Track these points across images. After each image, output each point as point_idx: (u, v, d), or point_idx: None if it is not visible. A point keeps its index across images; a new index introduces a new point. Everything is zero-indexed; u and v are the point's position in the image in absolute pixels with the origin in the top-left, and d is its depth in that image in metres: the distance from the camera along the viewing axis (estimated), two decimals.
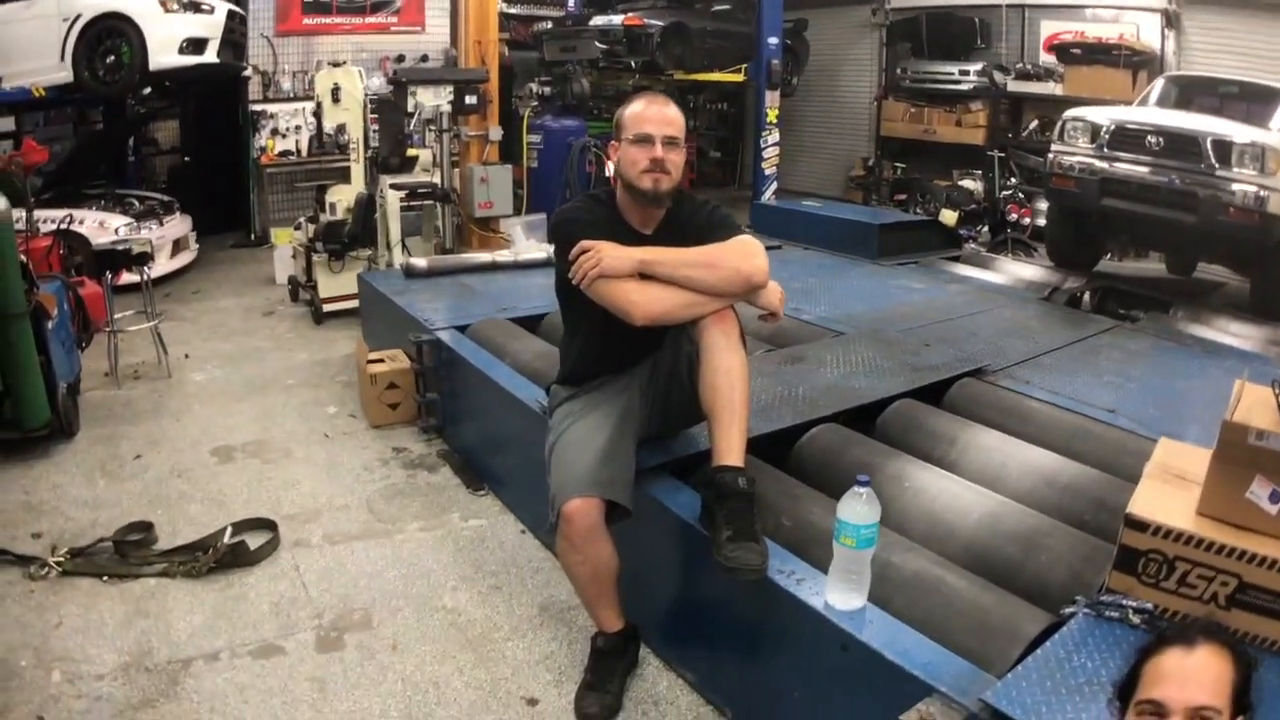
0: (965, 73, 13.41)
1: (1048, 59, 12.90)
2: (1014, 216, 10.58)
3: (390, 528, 4.31)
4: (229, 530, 3.98)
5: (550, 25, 12.72)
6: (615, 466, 2.94)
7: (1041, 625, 2.50)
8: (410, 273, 6.48)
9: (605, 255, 2.87)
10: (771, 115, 11.81)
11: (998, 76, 13.17)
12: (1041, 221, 9.97)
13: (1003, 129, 13.46)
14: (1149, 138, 6.93)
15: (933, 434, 3.88)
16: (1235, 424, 2.37)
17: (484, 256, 7.05)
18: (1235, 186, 6.51)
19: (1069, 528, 3.07)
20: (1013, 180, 12.02)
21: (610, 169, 3.46)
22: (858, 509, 2.46)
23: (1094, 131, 7.23)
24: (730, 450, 2.82)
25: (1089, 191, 7.22)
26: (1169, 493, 2.53)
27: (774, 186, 12.07)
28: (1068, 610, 2.49)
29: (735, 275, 2.93)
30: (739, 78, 12.79)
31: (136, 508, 4.39)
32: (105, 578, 3.76)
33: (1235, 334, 6.32)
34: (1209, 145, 6.64)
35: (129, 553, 3.90)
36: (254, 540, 4.01)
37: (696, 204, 3.17)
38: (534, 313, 5.54)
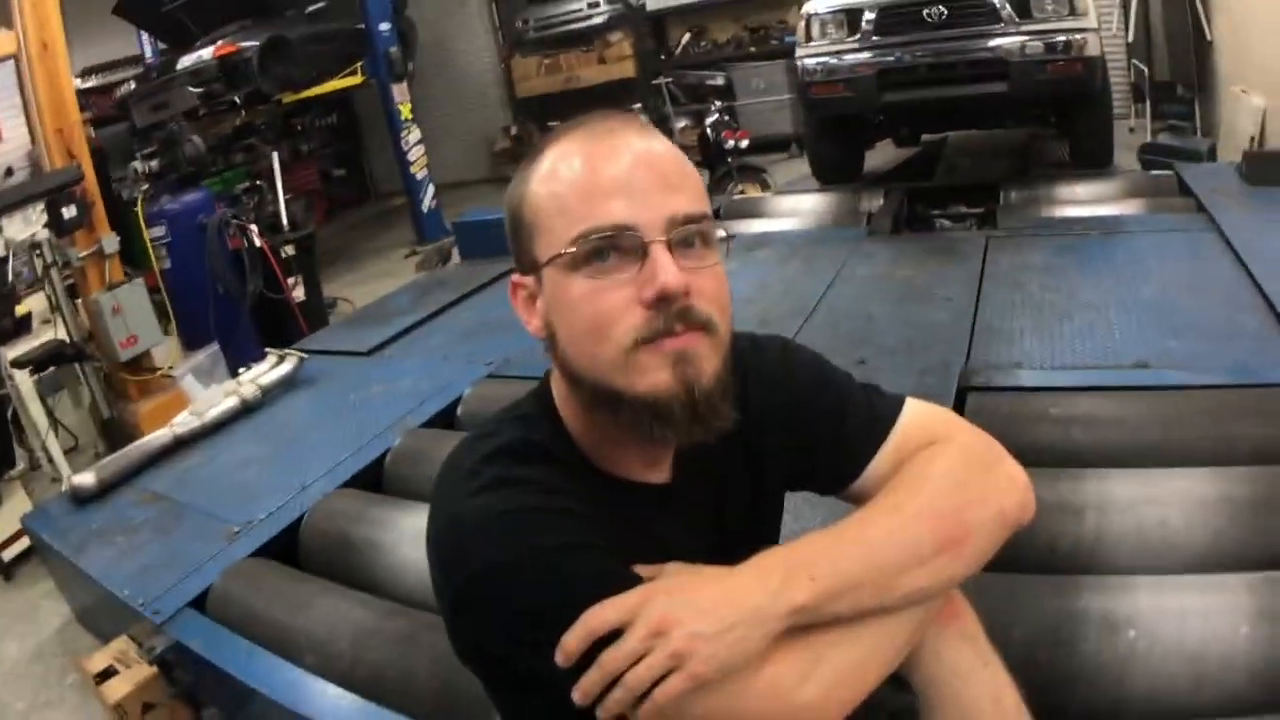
0: (595, 4, 12.50)
1: None
2: (732, 143, 9.47)
3: None
4: None
5: (133, 85, 10.57)
6: None
7: None
8: (80, 497, 4.26)
9: (687, 639, 1.09)
10: (405, 110, 10.63)
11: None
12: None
13: (654, 53, 12.79)
14: (925, 11, 6.05)
15: None
16: None
17: (161, 436, 4.72)
18: (1048, 39, 5.85)
19: None
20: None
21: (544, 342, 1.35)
22: None
23: (853, 21, 6.32)
24: None
25: (865, 91, 6.34)
26: None
27: (431, 190, 10.85)
28: None
29: (994, 530, 1.29)
30: (356, 80, 11.32)
31: None
32: None
33: (1093, 197, 6.08)
34: (1007, 2, 5.87)
35: None
36: None
37: (766, 364, 1.49)
38: (281, 519, 3.58)
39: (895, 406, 1.45)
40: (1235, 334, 3.62)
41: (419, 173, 10.69)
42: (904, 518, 1.24)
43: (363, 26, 10.57)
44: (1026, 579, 2.40)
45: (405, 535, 3.14)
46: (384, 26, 10.35)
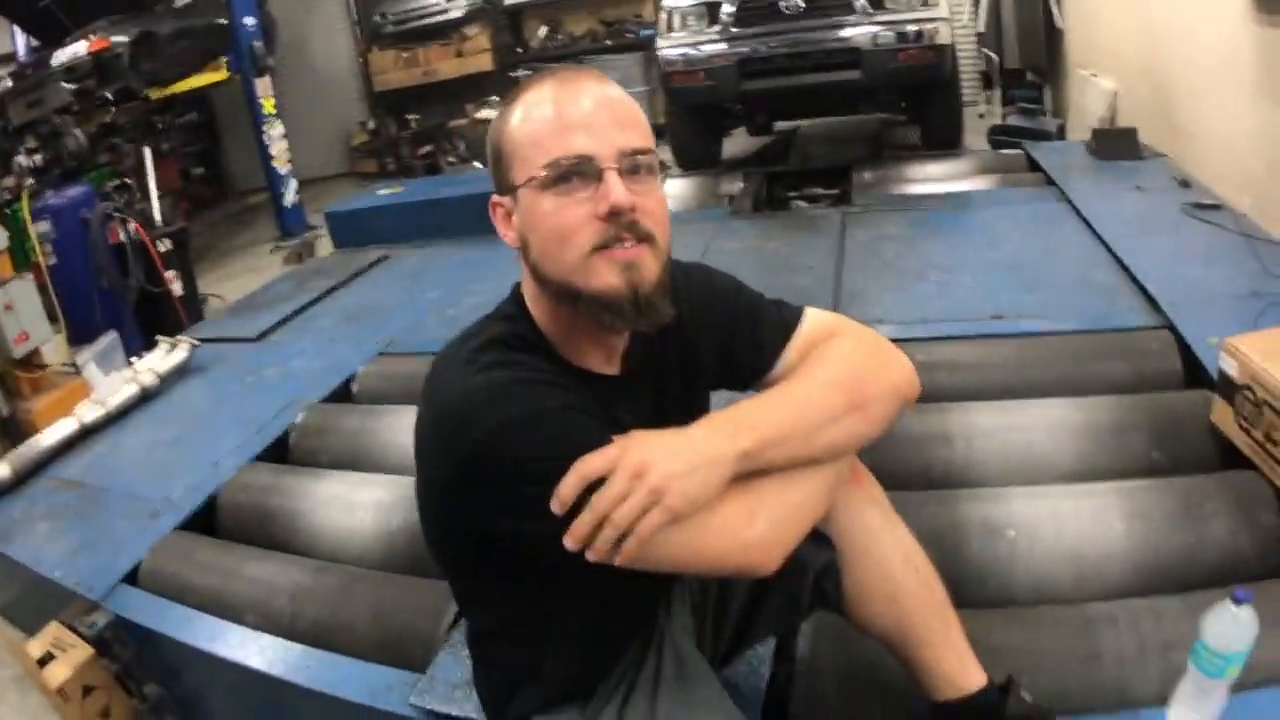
0: None
1: None
2: None
3: None
4: None
5: (10, 82, 10.21)
6: None
7: None
8: None
9: (662, 478, 1.33)
10: (268, 105, 10.31)
11: None
12: None
13: (510, 46, 12.66)
14: (783, 3, 6.18)
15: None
16: None
17: (67, 425, 4.59)
18: (900, 29, 6.02)
19: None
20: None
21: (518, 250, 1.59)
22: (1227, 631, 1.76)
23: (712, 13, 6.42)
24: (971, 660, 1.78)
25: (725, 80, 6.44)
26: None
27: (294, 185, 10.55)
28: None
29: (891, 398, 1.60)
30: (221, 75, 10.95)
31: None
32: None
33: (944, 175, 6.31)
34: None
35: None
36: None
37: (693, 283, 1.76)
38: (198, 495, 3.54)
39: (798, 311, 1.75)
40: (1087, 288, 3.84)
41: (282, 168, 10.38)
42: (819, 385, 1.54)
43: (226, 21, 10.29)
44: (909, 494, 2.56)
45: (319, 501, 3.23)
46: (248, 20, 10.06)
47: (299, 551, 3.12)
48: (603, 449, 1.36)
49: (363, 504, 3.13)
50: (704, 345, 1.71)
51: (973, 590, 2.38)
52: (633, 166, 1.46)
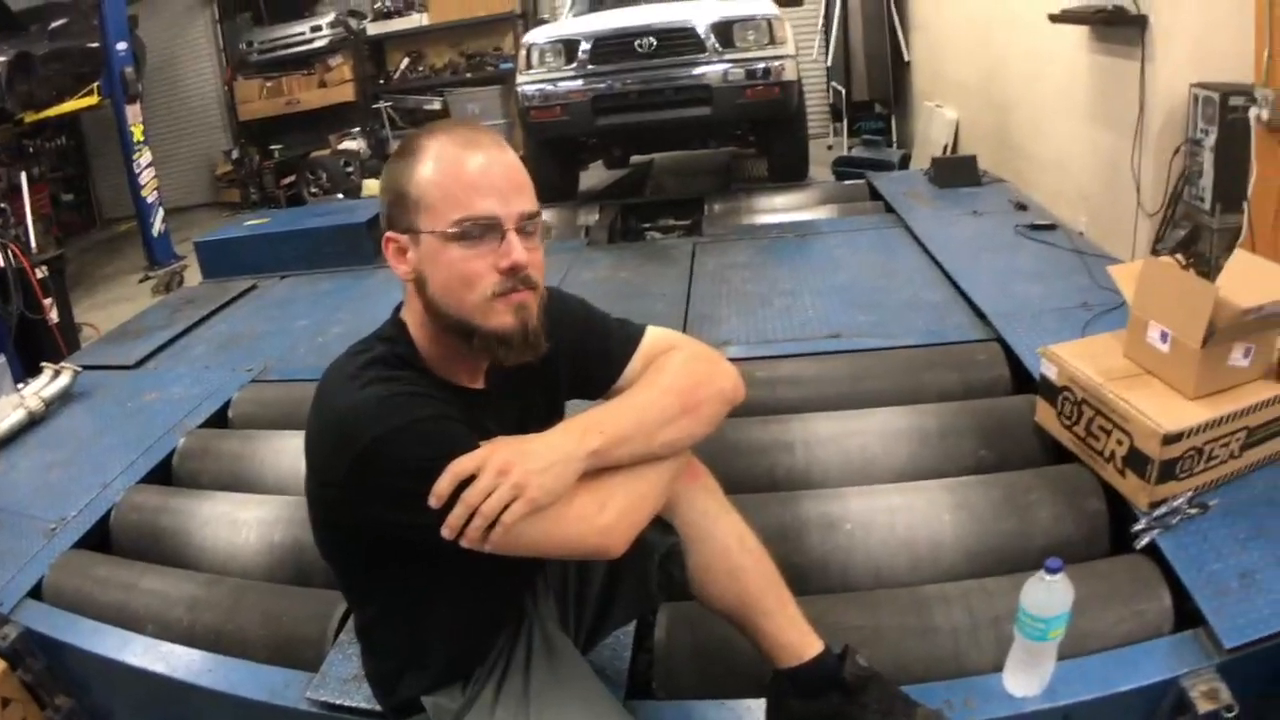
0: (317, 28, 12.36)
1: None
2: None
3: None
4: None
5: None
6: None
7: None
8: None
9: (523, 474, 1.56)
10: (138, 132, 10.02)
11: (354, 23, 12.29)
12: None
13: (373, 77, 12.66)
14: (636, 41, 6.36)
15: None
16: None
17: None
18: (748, 66, 6.23)
19: None
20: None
21: (408, 282, 1.77)
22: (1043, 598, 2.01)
23: (570, 51, 6.55)
24: (808, 631, 2.01)
25: (580, 115, 6.56)
26: (1110, 347, 2.83)
27: (161, 214, 10.27)
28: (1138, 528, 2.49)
29: (719, 402, 1.87)
30: (93, 100, 10.58)
31: None
32: None
33: (790, 206, 6.60)
34: (708, 30, 6.25)
35: None
36: None
37: (549, 306, 1.88)
38: (92, 515, 3.62)
39: (641, 328, 2.01)
40: (921, 306, 4.10)
41: (149, 196, 10.10)
42: (658, 392, 1.79)
43: (98, 45, 10.03)
44: (754, 496, 2.81)
45: (206, 520, 3.32)
46: (121, 46, 9.74)
47: (190, 566, 3.22)
48: (472, 451, 1.57)
49: (247, 521, 3.23)
50: (559, 360, 1.90)
51: (816, 579, 2.60)
52: (527, 228, 1.69)
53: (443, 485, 1.54)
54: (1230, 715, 2.00)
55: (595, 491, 1.66)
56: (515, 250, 1.65)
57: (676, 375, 1.83)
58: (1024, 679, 2.10)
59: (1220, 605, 2.18)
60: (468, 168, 1.66)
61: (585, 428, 1.66)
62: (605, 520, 1.65)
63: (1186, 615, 2.24)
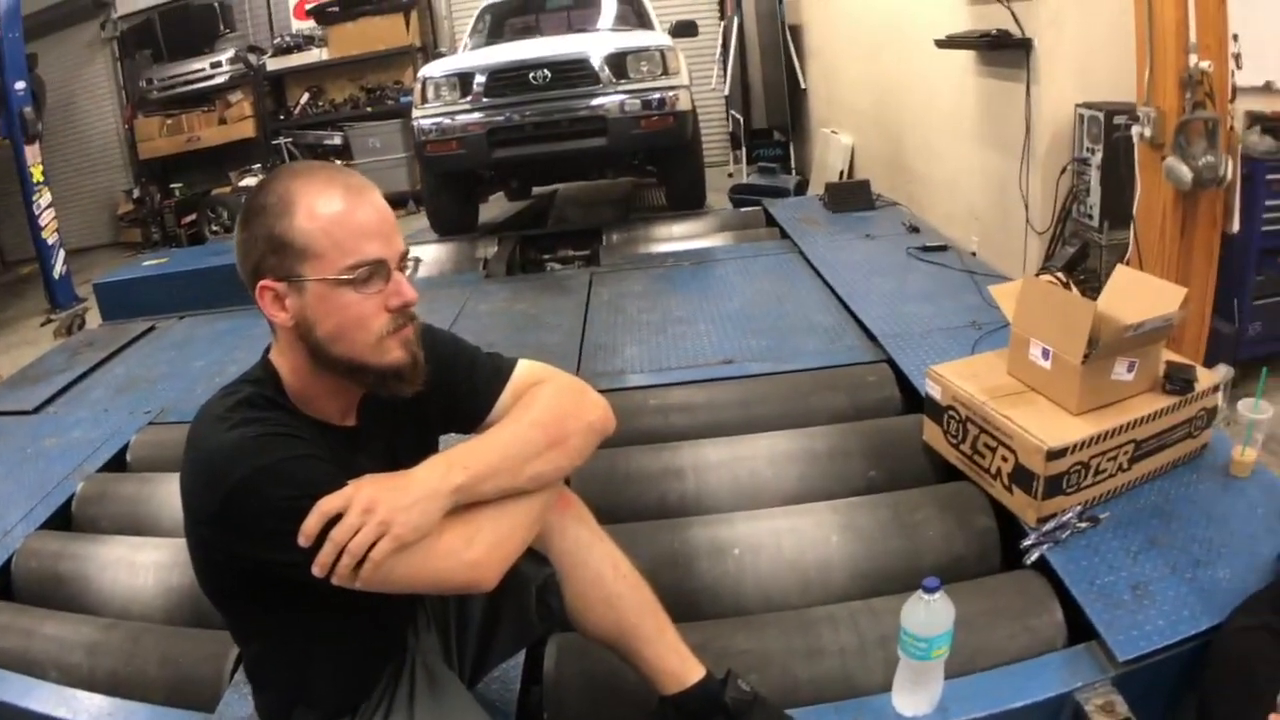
0: (217, 65, 12.11)
1: (304, 25, 12.10)
2: None
3: None
4: None
5: None
6: None
7: None
8: None
9: (388, 511, 1.56)
10: (37, 173, 9.67)
11: (254, 59, 12.10)
12: None
13: (273, 113, 12.49)
14: (531, 74, 6.37)
15: None
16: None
17: None
18: (643, 97, 6.26)
19: None
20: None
21: (283, 328, 1.73)
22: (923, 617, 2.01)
23: (465, 84, 6.52)
24: (689, 657, 2.04)
25: (476, 149, 6.52)
26: (994, 365, 2.92)
27: (62, 255, 9.98)
28: (1027, 544, 2.52)
29: (586, 434, 1.89)
30: None
31: None
32: None
33: (687, 234, 6.67)
34: (602, 62, 6.29)
35: None
36: None
37: (421, 342, 1.92)
38: None
39: (511, 362, 1.99)
40: (812, 331, 4.14)
41: (50, 238, 9.74)
42: (524, 426, 1.80)
43: None
44: (645, 524, 2.85)
45: (105, 564, 3.30)
46: (19, 85, 9.39)
47: (92, 611, 3.18)
48: (339, 490, 1.56)
49: (144, 565, 3.21)
50: (430, 396, 1.87)
51: (707, 604, 2.60)
52: (405, 265, 1.73)
53: (310, 524, 1.52)
54: None
55: (464, 526, 1.65)
56: (404, 289, 1.69)
57: (543, 409, 1.84)
58: (912, 698, 2.10)
59: (1113, 618, 2.21)
60: (354, 214, 1.66)
61: (450, 463, 1.66)
62: (474, 555, 1.65)
63: (1080, 629, 2.27)
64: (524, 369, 1.99)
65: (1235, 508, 2.60)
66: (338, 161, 10.48)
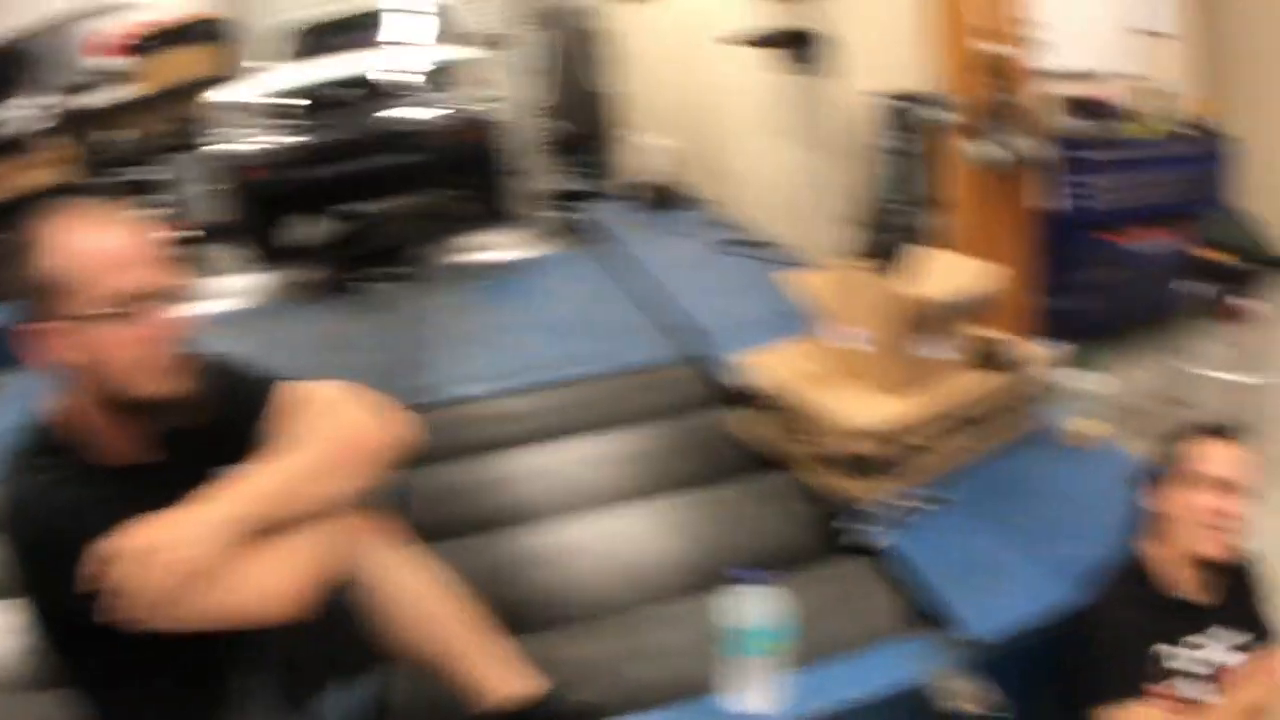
0: (26, 109, 11.56)
1: (117, 62, 11.58)
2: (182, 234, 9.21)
3: None
4: None
5: None
6: None
7: None
8: None
9: (164, 549, 1.51)
10: None
11: (66, 101, 11.57)
12: None
13: (91, 153, 11.93)
14: (342, 91, 6.31)
15: None
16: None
17: None
18: (455, 112, 6.22)
19: None
20: None
21: (54, 371, 1.69)
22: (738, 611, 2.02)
23: (272, 105, 6.39)
24: (513, 671, 2.02)
25: (283, 170, 6.38)
26: (806, 352, 2.96)
27: None
28: (857, 527, 2.55)
29: (374, 453, 1.84)
30: None
31: None
32: None
33: (504, 245, 6.71)
34: (413, 77, 6.28)
35: None
36: None
37: (210, 369, 1.88)
38: None
39: (296, 382, 1.92)
40: (623, 332, 4.19)
41: None
42: (309, 449, 1.73)
43: None
44: (472, 539, 2.81)
45: None
46: None
47: None
48: (115, 533, 1.48)
49: None
50: (232, 423, 1.83)
51: (537, 614, 2.52)
52: (169, 295, 1.65)
53: (86, 570, 1.47)
54: (988, 710, 2.04)
55: (260, 557, 1.59)
56: (165, 319, 1.62)
57: (330, 430, 1.80)
58: (751, 695, 2.08)
59: (965, 600, 2.23)
60: (104, 246, 1.60)
61: (227, 494, 1.61)
62: (269, 585, 1.60)
63: (930, 614, 2.27)
64: (311, 391, 1.92)
65: (1080, 481, 2.68)
66: (158, 198, 10.18)
